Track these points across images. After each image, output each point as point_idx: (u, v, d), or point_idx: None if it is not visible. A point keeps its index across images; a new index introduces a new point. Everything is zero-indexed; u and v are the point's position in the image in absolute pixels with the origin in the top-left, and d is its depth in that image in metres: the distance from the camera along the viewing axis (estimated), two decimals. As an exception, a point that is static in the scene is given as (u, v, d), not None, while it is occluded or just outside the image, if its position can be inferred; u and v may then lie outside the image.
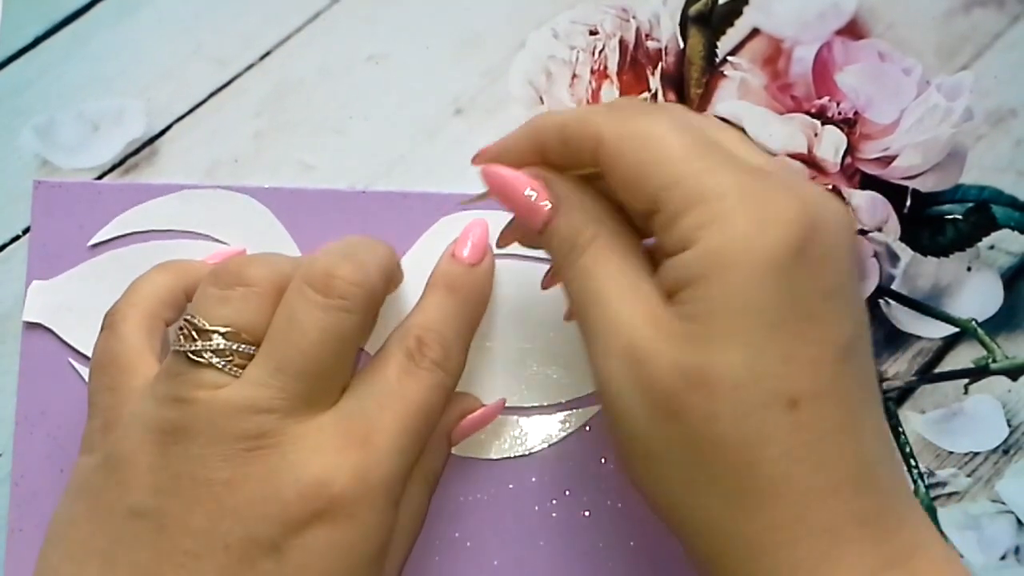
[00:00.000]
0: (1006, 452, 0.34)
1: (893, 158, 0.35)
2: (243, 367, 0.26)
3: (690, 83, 0.36)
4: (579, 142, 0.25)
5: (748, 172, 0.23)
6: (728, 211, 0.22)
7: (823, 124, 0.35)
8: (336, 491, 0.25)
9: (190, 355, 0.26)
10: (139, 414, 0.26)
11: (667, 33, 0.36)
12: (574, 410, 0.33)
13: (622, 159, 0.24)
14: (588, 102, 0.36)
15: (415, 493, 0.29)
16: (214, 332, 0.26)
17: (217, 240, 0.34)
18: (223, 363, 0.26)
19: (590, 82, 0.36)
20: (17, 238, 0.35)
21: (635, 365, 0.23)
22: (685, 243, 0.23)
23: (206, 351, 0.26)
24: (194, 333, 0.26)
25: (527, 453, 0.32)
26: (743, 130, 0.35)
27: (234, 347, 0.26)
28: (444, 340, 0.29)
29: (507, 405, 0.32)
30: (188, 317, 0.27)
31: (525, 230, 0.29)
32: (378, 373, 0.28)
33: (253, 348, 0.26)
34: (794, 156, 0.35)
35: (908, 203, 0.35)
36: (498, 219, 0.31)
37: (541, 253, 0.33)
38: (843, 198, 0.35)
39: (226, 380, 0.26)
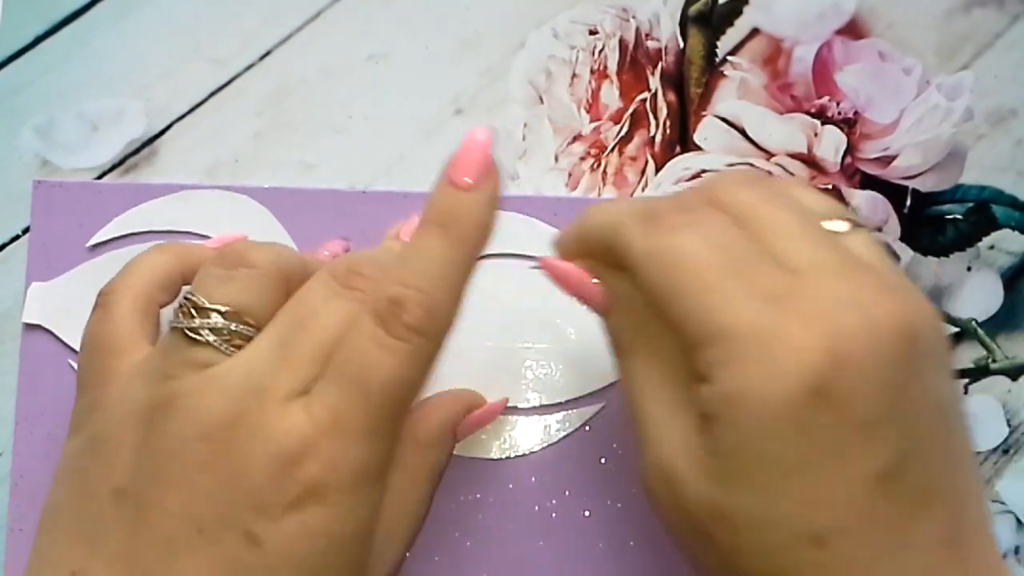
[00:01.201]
0: (1006, 452, 0.34)
1: (893, 158, 0.35)
2: (239, 347, 0.26)
3: (690, 83, 0.36)
4: (617, 252, 0.25)
5: (769, 301, 0.22)
6: (740, 355, 0.22)
7: (823, 124, 0.35)
8: (309, 475, 0.24)
9: (187, 332, 0.25)
10: (126, 392, 0.26)
11: (667, 33, 0.36)
12: (574, 410, 0.33)
13: (646, 279, 0.24)
14: (588, 102, 0.36)
15: (419, 485, 0.28)
16: (213, 311, 0.26)
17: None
18: (220, 342, 0.25)
19: (590, 82, 0.36)
20: (17, 238, 0.35)
21: (670, 486, 0.23)
22: (703, 377, 0.22)
23: (204, 328, 0.25)
24: (193, 311, 0.26)
25: (527, 453, 0.32)
26: (745, 133, 0.35)
27: (233, 327, 0.26)
28: (427, 299, 0.25)
29: (507, 405, 0.32)
30: (188, 295, 0.26)
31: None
32: (348, 345, 0.25)
33: (253, 330, 0.26)
34: (794, 156, 0.35)
35: (908, 203, 0.35)
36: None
37: (542, 252, 0.33)
38: (843, 198, 0.35)
39: (222, 359, 0.25)
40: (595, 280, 0.27)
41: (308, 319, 0.26)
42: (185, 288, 0.28)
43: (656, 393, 0.25)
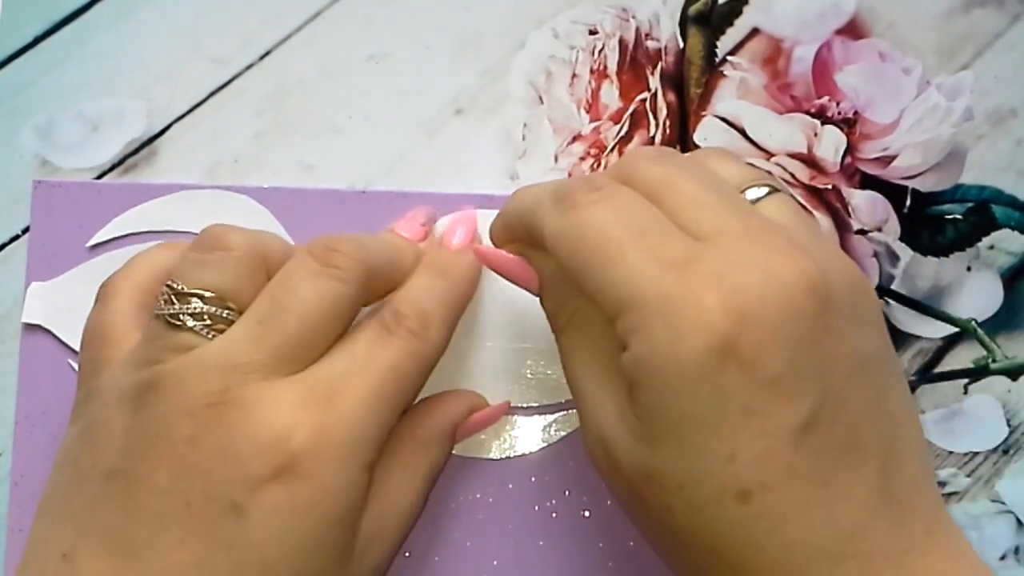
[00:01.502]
0: (1006, 452, 0.34)
1: (893, 158, 0.35)
2: (220, 330, 0.26)
3: (690, 83, 0.36)
4: (535, 233, 0.26)
5: (673, 267, 0.23)
6: (647, 321, 0.22)
7: (823, 124, 0.35)
8: (294, 448, 0.24)
9: (168, 319, 0.26)
10: (116, 379, 0.26)
11: (667, 33, 0.36)
12: (574, 410, 0.33)
13: (560, 257, 0.25)
14: (588, 102, 0.36)
15: (415, 482, 0.29)
16: (192, 295, 0.26)
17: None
18: (200, 327, 0.26)
19: (590, 82, 0.36)
20: (16, 238, 0.35)
21: (606, 452, 0.24)
22: (622, 344, 0.23)
23: (183, 314, 0.26)
24: (173, 297, 0.26)
25: (527, 453, 0.32)
26: (745, 133, 0.35)
27: (212, 311, 0.26)
28: (423, 312, 0.28)
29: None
30: (168, 282, 0.27)
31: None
32: (349, 342, 0.27)
33: (233, 313, 0.26)
34: (794, 156, 0.35)
35: (908, 203, 0.35)
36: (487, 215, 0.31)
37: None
38: (843, 198, 0.35)
39: (203, 342, 0.26)
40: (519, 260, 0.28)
41: (286, 295, 0.26)
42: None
43: (590, 365, 0.26)
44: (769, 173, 0.25)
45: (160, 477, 0.24)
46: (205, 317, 0.26)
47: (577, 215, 0.24)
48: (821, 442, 0.22)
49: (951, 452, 0.34)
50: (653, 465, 0.23)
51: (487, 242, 0.31)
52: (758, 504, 0.22)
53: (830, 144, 0.35)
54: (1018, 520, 0.33)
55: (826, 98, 0.36)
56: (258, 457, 0.24)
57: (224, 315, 0.26)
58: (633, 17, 0.36)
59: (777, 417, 0.22)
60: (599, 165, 0.35)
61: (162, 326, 0.26)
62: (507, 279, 0.29)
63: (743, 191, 0.26)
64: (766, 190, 0.26)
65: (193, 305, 0.26)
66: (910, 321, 0.34)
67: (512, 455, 0.32)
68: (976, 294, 0.35)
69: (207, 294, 0.26)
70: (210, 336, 0.26)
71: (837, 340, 0.22)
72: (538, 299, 0.29)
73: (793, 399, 0.22)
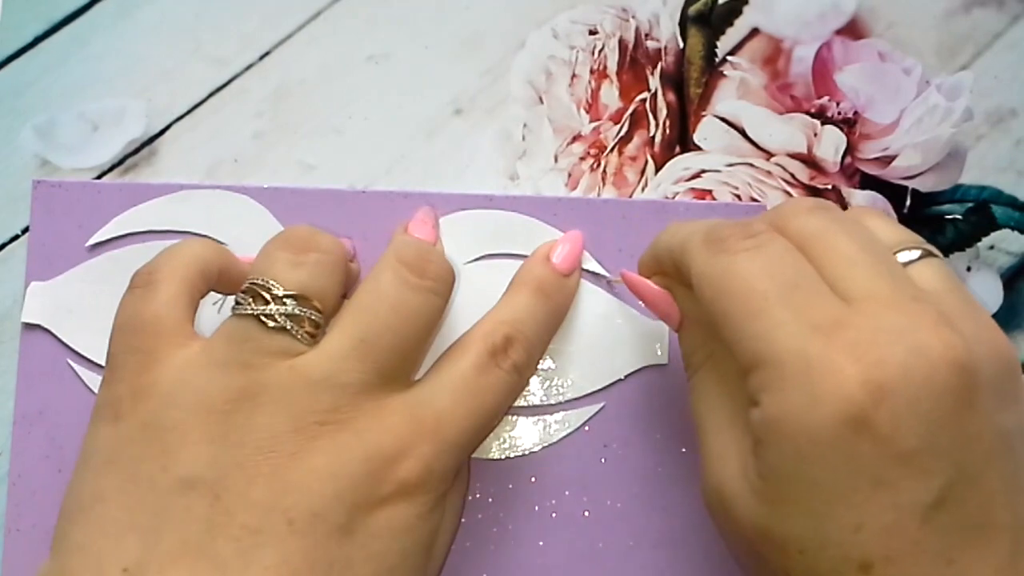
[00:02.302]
0: (1007, 452, 0.34)
1: (893, 158, 0.35)
2: (312, 335, 0.26)
3: (690, 83, 0.36)
4: (684, 271, 0.26)
5: (816, 331, 0.22)
6: (782, 381, 0.22)
7: (823, 124, 0.35)
8: (403, 475, 0.25)
9: (263, 318, 0.25)
10: (190, 381, 0.25)
11: (667, 33, 0.36)
12: (574, 410, 0.33)
13: (704, 300, 0.24)
14: (588, 102, 0.36)
15: (459, 500, 0.29)
16: (287, 297, 0.25)
17: (217, 241, 0.34)
18: (299, 331, 0.25)
19: (590, 82, 0.36)
20: (16, 237, 0.35)
21: (723, 504, 0.24)
22: (753, 399, 0.23)
23: (279, 315, 0.25)
24: (266, 295, 0.25)
25: (527, 453, 0.32)
26: (745, 133, 0.35)
27: (307, 314, 0.25)
28: (530, 344, 0.29)
29: (507, 405, 0.33)
30: (256, 280, 0.26)
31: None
32: (459, 363, 0.27)
33: (321, 317, 0.26)
34: (794, 156, 0.35)
35: (908, 203, 0.35)
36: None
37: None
38: (843, 198, 0.35)
39: (299, 348, 0.25)
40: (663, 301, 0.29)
41: (388, 312, 0.26)
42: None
43: (719, 412, 0.26)
44: (925, 243, 0.25)
45: (258, 491, 0.24)
46: (302, 321, 0.25)
47: (727, 261, 0.24)
48: (951, 520, 0.22)
49: (952, 452, 0.33)
50: (773, 527, 0.23)
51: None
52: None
53: (830, 144, 0.35)
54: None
55: (826, 98, 0.36)
56: (368, 479, 0.24)
57: (312, 316, 0.26)
58: (633, 17, 0.36)
59: (908, 492, 0.21)
60: (599, 165, 0.35)
61: (251, 325, 0.25)
62: (650, 309, 0.29)
63: (896, 252, 0.25)
64: (919, 253, 0.25)
65: (288, 306, 0.25)
66: (910, 321, 0.34)
67: (512, 455, 0.32)
68: (976, 294, 0.34)
69: (300, 295, 0.26)
70: (302, 338, 0.25)
71: (978, 418, 0.22)
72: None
73: (926, 475, 0.21)
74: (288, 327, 0.25)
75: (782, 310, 0.23)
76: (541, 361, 0.33)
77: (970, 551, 0.22)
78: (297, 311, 0.25)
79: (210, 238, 0.33)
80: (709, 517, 0.25)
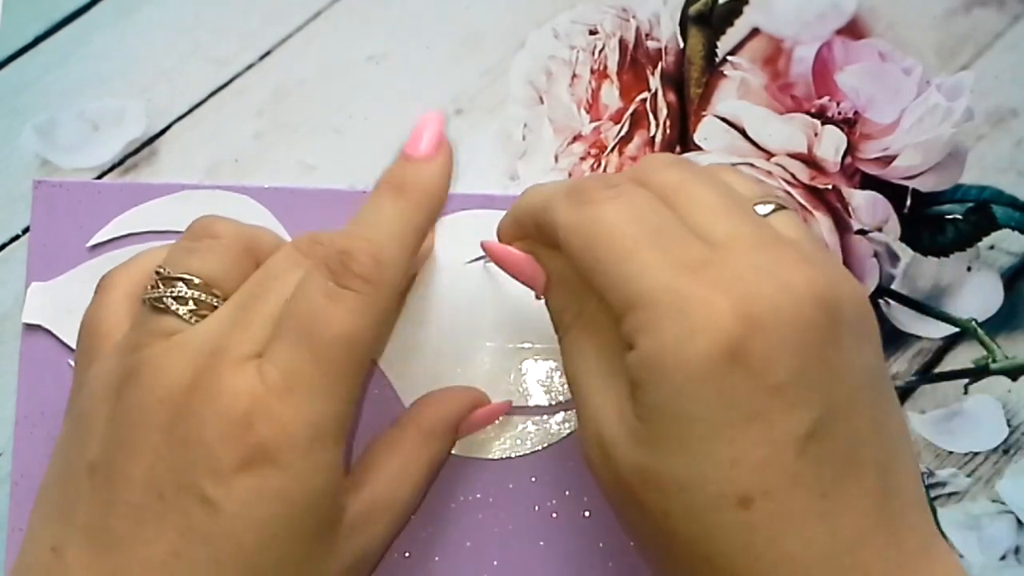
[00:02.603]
0: (1006, 452, 0.34)
1: (893, 158, 0.35)
2: (201, 316, 0.26)
3: (690, 83, 0.36)
4: (547, 229, 0.26)
5: (687, 269, 0.23)
6: (657, 319, 0.22)
7: (823, 124, 0.35)
8: (257, 437, 0.24)
9: (152, 303, 0.26)
10: (102, 368, 0.26)
11: (667, 33, 0.36)
12: (574, 410, 0.33)
13: (571, 251, 0.25)
14: (588, 102, 0.36)
15: (413, 473, 0.29)
16: (178, 280, 0.26)
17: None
18: (184, 311, 0.26)
19: (590, 82, 0.36)
20: (17, 238, 0.35)
21: (604, 454, 0.24)
22: (628, 342, 0.23)
23: (167, 297, 0.26)
24: (160, 283, 0.26)
25: (527, 453, 0.32)
26: (745, 133, 0.35)
27: (197, 295, 0.26)
28: (375, 249, 0.25)
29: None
30: (157, 269, 0.27)
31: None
32: (298, 299, 0.25)
33: (219, 300, 0.26)
34: (794, 156, 0.35)
35: (908, 203, 0.35)
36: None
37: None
38: (843, 198, 0.35)
39: (184, 327, 0.26)
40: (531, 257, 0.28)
41: (268, 284, 0.26)
42: None
43: (592, 365, 0.25)
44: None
45: (135, 469, 0.24)
46: (190, 302, 0.26)
47: (592, 210, 0.24)
48: (823, 453, 0.22)
49: (951, 452, 0.34)
50: (652, 467, 0.23)
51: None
52: (759, 511, 0.22)
53: (830, 144, 0.35)
54: (1018, 520, 0.33)
55: (826, 98, 0.36)
56: (225, 447, 0.24)
57: (209, 301, 0.26)
58: (633, 17, 0.36)
59: (781, 425, 0.22)
60: (599, 165, 0.35)
61: (147, 311, 0.26)
62: (513, 276, 0.29)
63: (753, 205, 0.26)
64: (773, 206, 0.26)
65: (178, 289, 0.26)
66: (910, 321, 0.34)
67: (512, 455, 0.32)
68: (976, 294, 0.35)
69: (193, 279, 0.26)
70: (193, 321, 0.26)
71: (843, 354, 0.22)
72: (538, 299, 0.29)
73: (798, 408, 0.22)
74: (172, 307, 0.26)
75: (651, 251, 0.23)
76: (542, 361, 0.33)
77: (844, 484, 0.22)
78: (185, 293, 0.26)
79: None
80: (589, 470, 0.25)
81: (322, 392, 0.24)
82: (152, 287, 0.26)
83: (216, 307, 0.26)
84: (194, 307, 0.26)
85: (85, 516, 0.24)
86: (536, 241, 0.28)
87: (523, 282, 0.29)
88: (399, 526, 0.29)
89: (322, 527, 0.25)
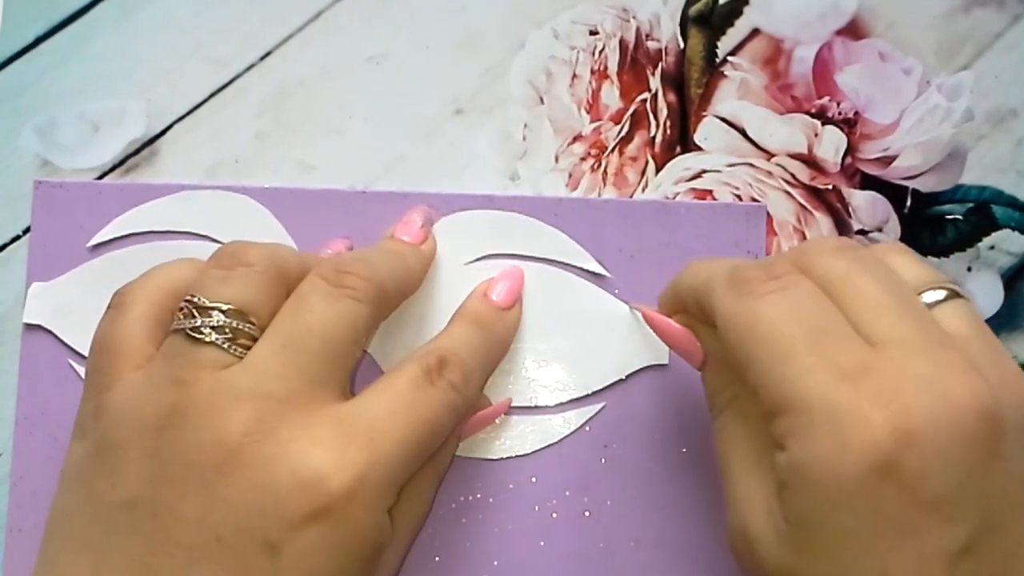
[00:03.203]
0: (1006, 452, 0.34)
1: (893, 158, 0.35)
2: (246, 348, 0.26)
3: (690, 83, 0.36)
4: (707, 311, 0.26)
5: (844, 377, 0.22)
6: (810, 427, 0.22)
7: (823, 124, 0.35)
8: (332, 489, 0.24)
9: (189, 332, 0.25)
10: (133, 399, 0.25)
11: (667, 33, 0.36)
12: (574, 410, 0.33)
13: (729, 342, 0.24)
14: (588, 102, 0.36)
15: (425, 487, 0.29)
16: (214, 309, 0.26)
17: (217, 241, 0.34)
18: (224, 341, 0.25)
19: (590, 82, 0.36)
20: (17, 238, 0.35)
21: (749, 548, 0.24)
22: (779, 442, 0.23)
23: (206, 327, 0.25)
24: (194, 311, 0.26)
25: (527, 453, 0.32)
26: (746, 134, 0.35)
27: (235, 324, 0.25)
28: (465, 366, 0.28)
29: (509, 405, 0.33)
30: (188, 297, 0.26)
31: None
32: (391, 382, 0.27)
33: (255, 328, 0.26)
34: (794, 156, 0.35)
35: (908, 203, 0.35)
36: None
37: (543, 252, 0.33)
38: (843, 198, 0.35)
39: (229, 360, 0.25)
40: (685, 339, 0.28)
41: (306, 316, 0.26)
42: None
43: (743, 454, 0.25)
44: (950, 280, 0.25)
45: (189, 508, 0.24)
46: (227, 331, 0.25)
47: (752, 304, 0.24)
48: (976, 568, 0.22)
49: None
50: (798, 572, 0.23)
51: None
52: None
53: (830, 144, 0.35)
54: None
55: (826, 98, 0.36)
56: (296, 494, 0.24)
57: (246, 329, 0.26)
58: (633, 17, 0.36)
59: (934, 540, 0.21)
60: (599, 165, 0.35)
61: (183, 341, 0.25)
62: (671, 348, 0.29)
63: (921, 293, 0.25)
64: (944, 293, 0.25)
65: (215, 318, 0.25)
66: (910, 321, 0.34)
67: (512, 455, 0.32)
68: (976, 294, 0.35)
69: (229, 308, 0.26)
70: (234, 351, 0.25)
71: (1004, 466, 0.22)
72: (539, 292, 0.29)
73: (953, 523, 0.21)
74: (215, 340, 0.25)
75: (809, 355, 0.23)
76: (542, 361, 0.33)
77: None
78: (223, 323, 0.25)
79: (210, 239, 0.34)
80: (733, 558, 0.25)
81: (400, 461, 0.26)
82: (185, 315, 0.26)
83: (252, 336, 0.26)
84: (231, 336, 0.26)
85: (122, 553, 0.24)
86: (696, 318, 0.28)
87: (680, 354, 0.29)
88: (413, 541, 0.29)
89: (368, 569, 0.26)
